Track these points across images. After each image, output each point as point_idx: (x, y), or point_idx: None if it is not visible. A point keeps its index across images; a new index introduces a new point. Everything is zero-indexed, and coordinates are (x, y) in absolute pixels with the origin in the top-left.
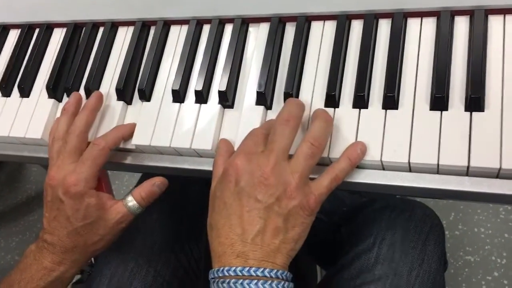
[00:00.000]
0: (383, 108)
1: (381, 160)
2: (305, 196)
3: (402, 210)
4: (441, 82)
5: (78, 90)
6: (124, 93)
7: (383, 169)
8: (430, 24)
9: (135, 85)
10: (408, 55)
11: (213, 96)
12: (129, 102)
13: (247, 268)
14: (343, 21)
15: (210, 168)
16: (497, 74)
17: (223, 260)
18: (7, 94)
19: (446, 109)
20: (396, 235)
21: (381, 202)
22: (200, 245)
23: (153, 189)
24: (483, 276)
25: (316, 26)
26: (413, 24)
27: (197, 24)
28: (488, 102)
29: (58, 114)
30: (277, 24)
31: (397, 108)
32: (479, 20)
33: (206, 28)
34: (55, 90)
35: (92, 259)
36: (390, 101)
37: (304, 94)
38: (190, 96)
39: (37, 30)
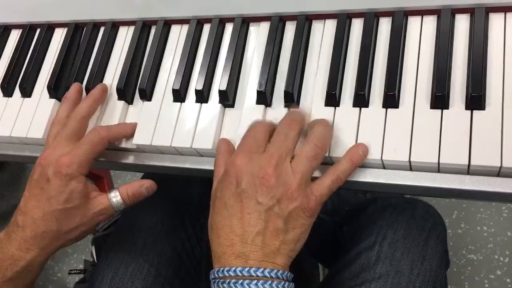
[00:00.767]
0: (383, 106)
1: (381, 159)
2: (306, 197)
3: (404, 208)
4: (442, 80)
5: None
6: (125, 93)
7: (384, 168)
8: (430, 23)
9: (136, 85)
10: (409, 53)
11: (214, 96)
12: (130, 101)
13: (247, 269)
14: (344, 19)
15: (211, 168)
16: (498, 72)
17: (223, 260)
18: (9, 94)
19: (447, 108)
20: (398, 233)
21: (383, 201)
22: (202, 245)
23: (140, 190)
24: (486, 274)
25: (316, 25)
26: (413, 23)
27: (198, 23)
28: (488, 101)
29: None
30: (278, 23)
31: (397, 107)
32: (479, 18)
33: (206, 28)
34: (56, 90)
35: (95, 258)
36: (391, 100)
37: (305, 93)
38: (191, 95)
39: (38, 30)
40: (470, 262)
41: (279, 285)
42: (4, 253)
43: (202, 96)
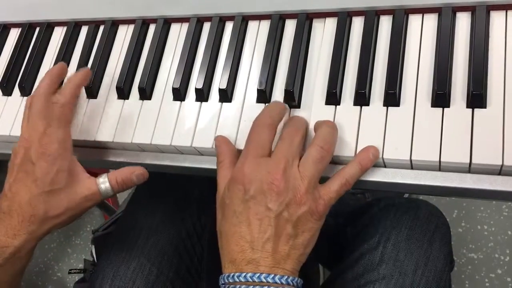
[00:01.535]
0: (384, 105)
1: (382, 158)
2: (314, 201)
3: (407, 209)
4: (443, 78)
5: None
6: (124, 92)
7: (385, 166)
8: (431, 21)
9: (136, 84)
10: (410, 51)
11: (214, 94)
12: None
13: (257, 275)
14: (344, 17)
15: (211, 166)
16: (499, 70)
17: (234, 266)
18: (8, 93)
19: (448, 106)
20: (401, 234)
21: (386, 201)
22: (203, 243)
23: (130, 177)
24: (487, 273)
25: (317, 23)
26: (414, 21)
27: (198, 22)
28: (490, 99)
29: None
30: (278, 21)
31: (398, 105)
32: (480, 16)
33: (206, 26)
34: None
35: (95, 257)
36: (392, 98)
37: (305, 92)
38: (191, 94)
39: (37, 29)
40: (471, 261)
41: None
42: None
43: (202, 95)
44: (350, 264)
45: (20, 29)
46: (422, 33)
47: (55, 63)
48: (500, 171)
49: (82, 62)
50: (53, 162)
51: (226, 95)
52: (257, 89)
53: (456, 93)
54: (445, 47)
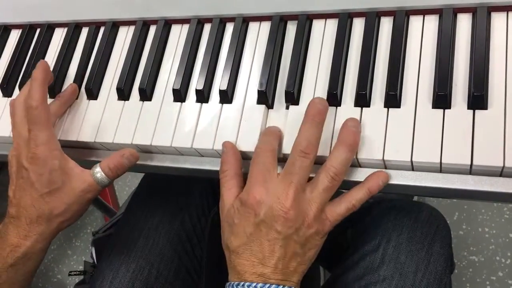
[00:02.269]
0: (385, 106)
1: (383, 159)
2: (321, 223)
3: (408, 211)
4: (444, 80)
5: (79, 89)
6: (125, 93)
7: (386, 168)
8: (432, 22)
9: (136, 85)
10: (410, 53)
11: (214, 95)
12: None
13: (267, 285)
14: (345, 19)
15: (212, 168)
16: (500, 71)
17: (244, 277)
18: (8, 94)
19: (449, 107)
20: (402, 236)
21: (387, 203)
22: (202, 245)
23: (121, 160)
24: (488, 276)
25: (317, 24)
26: (415, 22)
27: (198, 23)
28: (491, 100)
29: None
30: (278, 22)
31: (399, 107)
32: (482, 17)
33: (207, 27)
34: (55, 90)
35: (95, 259)
36: (392, 100)
37: (306, 93)
38: (191, 95)
39: (38, 30)
40: (472, 263)
41: None
42: (4, 241)
43: (203, 96)
44: (351, 266)
45: (20, 30)
46: (423, 34)
47: (55, 64)
48: (501, 172)
49: (83, 63)
50: (44, 163)
51: (226, 96)
52: (258, 90)
53: (457, 94)
54: (446, 48)
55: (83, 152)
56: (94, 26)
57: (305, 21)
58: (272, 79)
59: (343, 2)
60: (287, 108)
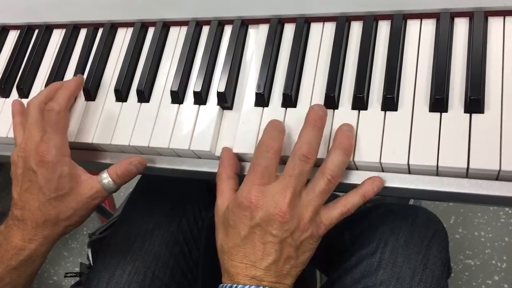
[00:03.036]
0: (382, 109)
1: (380, 162)
2: (316, 226)
3: (406, 215)
4: (441, 83)
5: None
6: (122, 94)
7: (382, 171)
8: (429, 26)
9: (134, 86)
10: (408, 56)
11: (212, 97)
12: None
13: (261, 287)
14: (343, 22)
15: (209, 170)
16: (497, 75)
17: (237, 279)
18: (6, 95)
19: (446, 111)
20: (399, 240)
21: (385, 207)
22: (199, 247)
23: (129, 167)
24: (483, 280)
25: (315, 27)
26: (412, 26)
27: (197, 25)
28: (487, 104)
29: None
30: (277, 25)
31: (396, 110)
32: (478, 21)
33: (205, 29)
34: None
35: (91, 261)
36: (390, 103)
37: (303, 95)
38: (189, 97)
39: (36, 31)
40: (468, 267)
41: None
42: (8, 243)
43: (201, 98)
44: (348, 269)
45: (19, 31)
46: (420, 38)
47: (54, 65)
48: (498, 176)
49: (81, 65)
50: (53, 169)
51: (224, 99)
52: (256, 93)
53: (454, 98)
54: (443, 52)
55: (80, 153)
56: (93, 27)
57: (303, 23)
58: (270, 82)
59: (341, 6)
60: (285, 110)
